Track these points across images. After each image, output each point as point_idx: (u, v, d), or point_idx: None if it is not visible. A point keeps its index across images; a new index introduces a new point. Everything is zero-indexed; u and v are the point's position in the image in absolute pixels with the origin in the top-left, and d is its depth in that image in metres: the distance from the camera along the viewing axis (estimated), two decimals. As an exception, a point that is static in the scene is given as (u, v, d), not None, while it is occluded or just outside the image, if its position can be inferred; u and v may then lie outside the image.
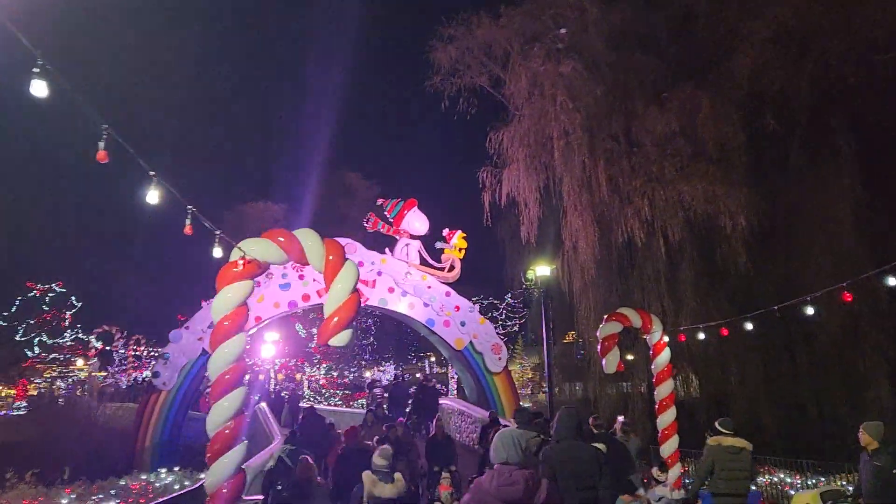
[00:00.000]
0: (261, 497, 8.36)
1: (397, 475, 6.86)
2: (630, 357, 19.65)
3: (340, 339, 5.51)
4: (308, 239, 5.73)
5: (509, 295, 39.74)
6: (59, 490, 9.59)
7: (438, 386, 20.57)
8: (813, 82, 15.68)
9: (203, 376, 16.94)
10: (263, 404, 17.79)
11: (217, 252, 5.31)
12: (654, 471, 8.50)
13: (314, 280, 17.37)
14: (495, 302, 40.90)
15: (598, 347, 10.06)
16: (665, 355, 9.86)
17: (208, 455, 5.46)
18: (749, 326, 9.75)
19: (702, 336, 11.43)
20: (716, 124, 16.41)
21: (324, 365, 41.95)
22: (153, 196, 4.78)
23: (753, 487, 10.33)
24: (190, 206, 4.67)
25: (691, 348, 17.11)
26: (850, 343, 16.23)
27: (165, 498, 8.00)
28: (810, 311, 8.69)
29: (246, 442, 5.70)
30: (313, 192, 40.22)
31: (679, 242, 17.04)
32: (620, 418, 10.68)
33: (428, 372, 58.18)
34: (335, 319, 5.46)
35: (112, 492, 9.55)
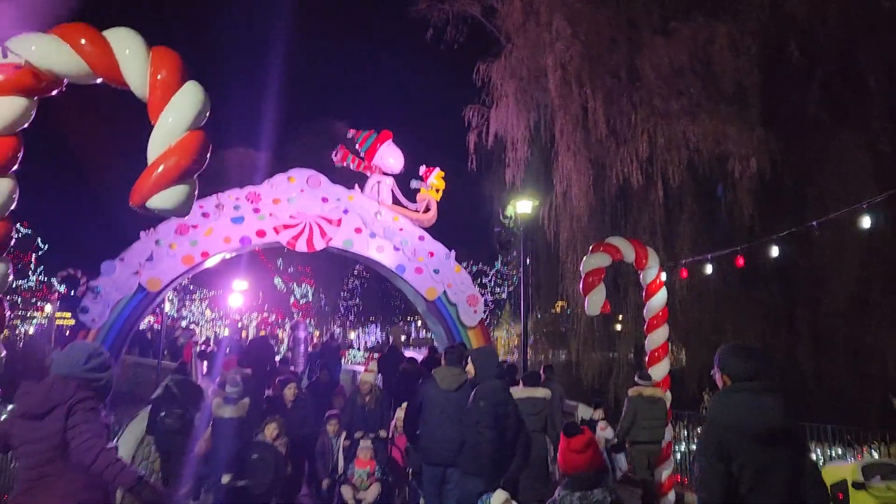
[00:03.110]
0: None
1: (244, 401, 7.33)
2: (618, 327, 18.08)
3: (166, 198, 3.60)
4: (125, 44, 3.69)
5: (499, 262, 38.36)
6: None
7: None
8: (842, 12, 13.75)
9: (139, 315, 15.18)
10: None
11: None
12: (593, 411, 8.78)
13: (270, 215, 15.44)
14: (485, 268, 39.42)
15: (580, 285, 8.33)
16: (661, 296, 8.20)
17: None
18: (775, 251, 8.06)
19: (704, 274, 9.73)
20: (731, 58, 14.53)
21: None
22: None
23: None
24: None
25: (683, 311, 15.54)
26: (856, 313, 14.61)
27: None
28: (866, 221, 7.14)
29: None
30: (299, 140, 38.32)
31: (679, 190, 15.28)
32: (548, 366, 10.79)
33: (411, 333, 56.80)
34: (160, 168, 3.55)
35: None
